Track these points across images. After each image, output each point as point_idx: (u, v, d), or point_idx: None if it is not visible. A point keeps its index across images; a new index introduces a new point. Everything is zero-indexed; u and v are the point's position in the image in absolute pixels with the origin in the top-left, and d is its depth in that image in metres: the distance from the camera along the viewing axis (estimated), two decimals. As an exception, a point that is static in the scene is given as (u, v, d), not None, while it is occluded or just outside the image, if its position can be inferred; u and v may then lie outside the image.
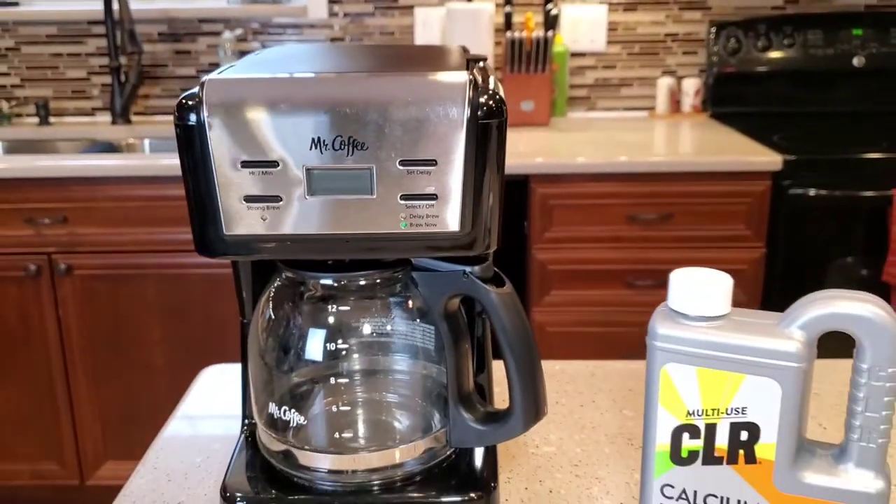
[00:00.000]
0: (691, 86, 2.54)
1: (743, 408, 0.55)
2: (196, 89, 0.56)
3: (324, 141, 0.55)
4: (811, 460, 0.56)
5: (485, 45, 2.44)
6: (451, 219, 0.58)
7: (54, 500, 2.30)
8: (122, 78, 2.50)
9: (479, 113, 0.56)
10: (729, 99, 2.54)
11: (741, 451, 0.55)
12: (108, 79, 2.56)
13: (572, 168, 2.04)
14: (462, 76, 0.56)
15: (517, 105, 2.46)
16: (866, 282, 2.09)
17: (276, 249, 0.58)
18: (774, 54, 2.50)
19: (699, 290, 0.55)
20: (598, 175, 2.05)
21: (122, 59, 2.49)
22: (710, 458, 0.56)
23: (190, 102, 0.56)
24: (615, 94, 2.63)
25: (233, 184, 0.56)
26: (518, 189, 2.07)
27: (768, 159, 2.02)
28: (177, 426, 0.87)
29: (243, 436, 0.73)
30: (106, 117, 2.59)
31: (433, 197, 0.57)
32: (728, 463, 0.56)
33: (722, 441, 0.56)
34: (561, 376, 0.97)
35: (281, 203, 0.56)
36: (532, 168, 2.05)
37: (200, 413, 0.90)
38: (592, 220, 2.08)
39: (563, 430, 0.85)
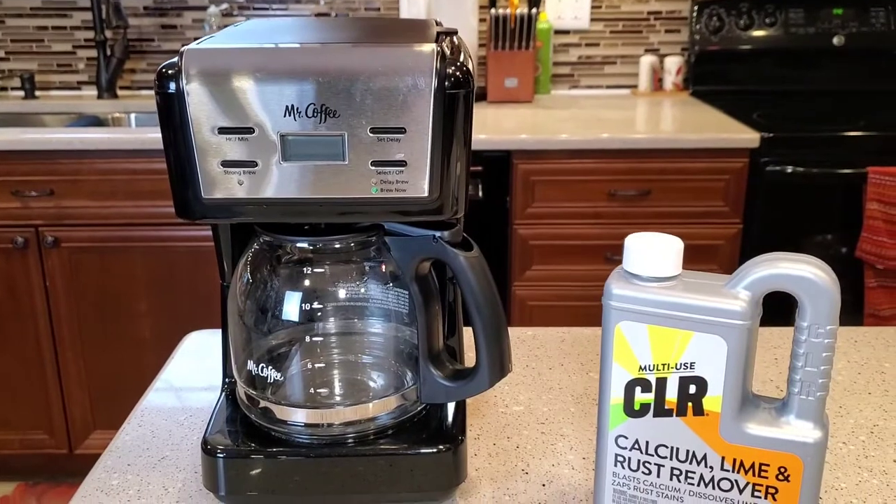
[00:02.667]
0: (673, 64, 2.57)
1: (691, 363, 0.58)
2: (176, 59, 0.59)
3: (297, 108, 0.58)
4: (755, 413, 0.59)
5: (469, 22, 2.46)
6: (419, 185, 0.61)
7: (44, 468, 2.34)
8: (108, 52, 2.51)
9: (446, 83, 0.59)
10: (710, 77, 2.57)
11: (690, 404, 0.59)
12: (93, 52, 2.57)
13: (554, 144, 2.07)
14: (430, 48, 0.59)
15: (501, 82, 2.48)
16: (841, 258, 2.13)
17: (253, 213, 0.61)
18: (756, 33, 2.53)
19: (651, 253, 0.58)
20: (579, 152, 2.08)
21: (108, 33, 2.50)
22: (661, 410, 0.60)
23: (170, 71, 0.59)
24: (598, 71, 2.65)
25: (211, 149, 0.59)
26: (501, 165, 2.10)
27: (746, 136, 2.05)
28: (161, 387, 0.91)
29: (224, 394, 0.76)
30: (92, 91, 2.60)
31: (402, 164, 0.60)
32: (677, 415, 0.59)
33: (672, 394, 0.59)
34: (532, 342, 1.00)
35: (257, 168, 0.59)
36: (514, 144, 2.08)
37: (184, 375, 0.93)
38: (573, 197, 2.11)
39: (532, 392, 0.89)
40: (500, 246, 2.17)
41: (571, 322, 2.25)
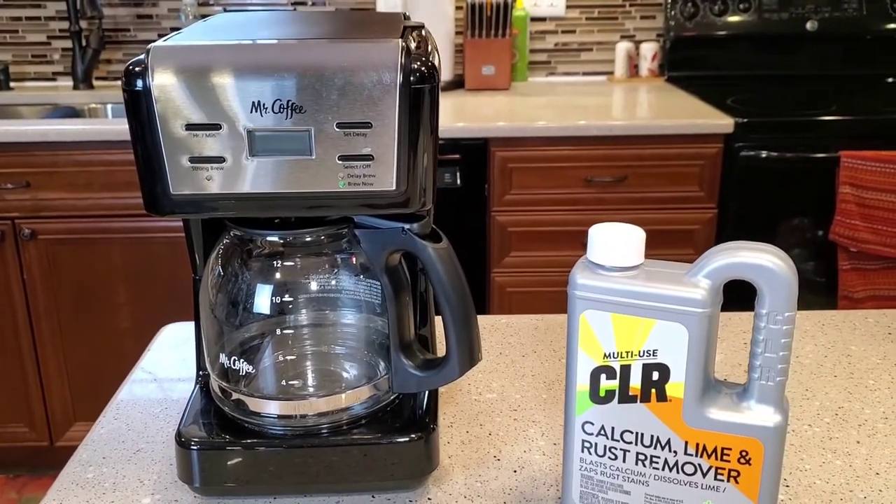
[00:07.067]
0: (649, 50, 2.58)
1: (654, 350, 0.59)
2: (142, 56, 0.59)
3: (264, 105, 0.58)
4: (717, 398, 0.61)
5: (446, 10, 2.46)
6: (386, 178, 0.61)
7: (24, 461, 2.34)
8: (84, 42, 2.49)
9: (411, 78, 0.60)
10: (685, 63, 2.59)
11: (653, 390, 0.60)
12: (68, 43, 2.55)
13: (531, 132, 2.08)
14: (394, 43, 0.60)
15: (478, 69, 2.49)
16: (815, 241, 2.16)
17: (221, 208, 0.62)
18: (730, 18, 2.55)
19: (614, 243, 0.60)
20: (555, 139, 2.09)
21: (83, 24, 2.48)
22: (626, 396, 0.61)
23: (137, 69, 0.59)
24: (575, 58, 2.66)
25: (178, 145, 0.59)
26: (478, 152, 2.11)
27: (720, 122, 2.07)
28: (137, 380, 0.91)
29: (198, 387, 0.77)
30: (67, 82, 2.58)
31: (369, 158, 0.60)
32: (641, 401, 0.61)
33: (636, 381, 0.61)
34: (506, 329, 1.01)
35: (225, 164, 0.60)
36: (492, 132, 2.09)
37: (160, 368, 0.94)
38: (551, 183, 2.13)
39: (505, 379, 0.90)
40: (478, 233, 2.18)
41: (550, 308, 2.26)
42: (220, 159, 0.60)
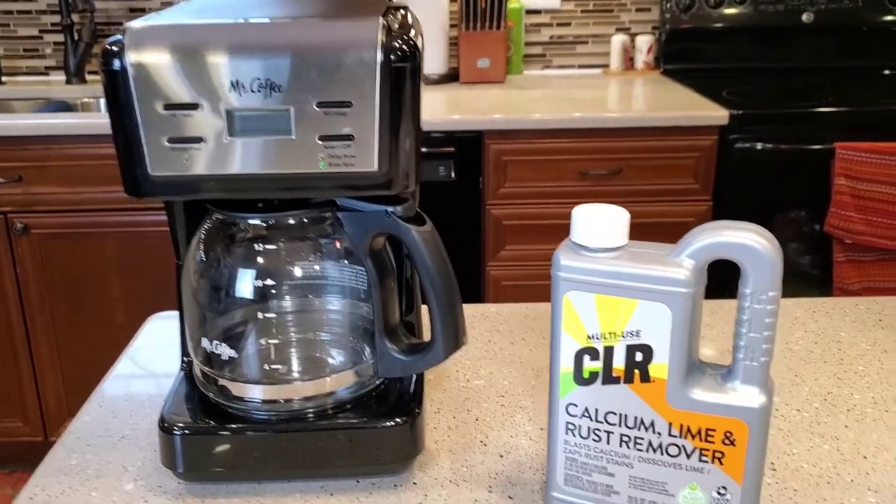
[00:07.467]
0: (644, 43, 2.57)
1: (637, 331, 0.59)
2: (120, 36, 0.59)
3: (242, 84, 0.58)
4: (701, 379, 0.60)
5: (440, 2, 2.45)
6: (368, 159, 0.61)
7: (19, 456, 2.33)
8: (76, 36, 2.48)
9: (392, 57, 0.59)
10: (681, 56, 2.58)
11: (636, 371, 0.60)
12: (60, 37, 2.54)
13: (525, 124, 2.08)
14: (375, 21, 0.59)
15: (473, 62, 2.48)
16: (810, 233, 2.16)
17: (201, 189, 0.61)
18: (726, 11, 2.54)
19: (597, 224, 0.59)
20: (550, 132, 2.08)
21: (75, 17, 2.47)
22: (609, 378, 0.61)
23: (114, 48, 0.58)
24: (570, 51, 2.65)
25: (157, 126, 0.59)
26: (473, 145, 2.10)
27: (715, 114, 2.07)
28: (124, 368, 0.91)
29: (183, 373, 0.77)
30: (60, 76, 2.57)
31: (350, 138, 0.60)
32: (625, 382, 0.60)
33: (619, 362, 0.60)
34: (495, 318, 1.01)
35: (203, 144, 0.59)
36: (486, 124, 2.08)
37: (147, 356, 0.93)
38: (545, 176, 2.12)
39: (493, 366, 0.89)
40: (473, 227, 2.17)
41: (545, 301, 2.26)
42: (199, 139, 0.59)
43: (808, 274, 2.19)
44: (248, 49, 0.57)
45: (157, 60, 0.58)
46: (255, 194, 0.63)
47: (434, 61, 2.49)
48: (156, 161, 0.60)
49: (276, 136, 0.59)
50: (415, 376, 0.74)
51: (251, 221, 0.69)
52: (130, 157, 0.60)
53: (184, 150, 0.59)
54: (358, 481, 0.71)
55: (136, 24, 0.59)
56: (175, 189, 0.61)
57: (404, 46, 0.60)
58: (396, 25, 0.62)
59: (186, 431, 0.69)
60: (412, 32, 0.64)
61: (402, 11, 0.69)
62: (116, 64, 0.58)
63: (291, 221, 0.69)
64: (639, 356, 0.59)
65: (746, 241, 0.57)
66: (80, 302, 2.16)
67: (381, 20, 0.59)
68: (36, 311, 2.16)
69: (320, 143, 0.60)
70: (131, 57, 0.58)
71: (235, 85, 0.58)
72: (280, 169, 0.61)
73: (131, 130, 0.59)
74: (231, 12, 0.66)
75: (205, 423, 0.70)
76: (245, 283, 0.70)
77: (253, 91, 0.58)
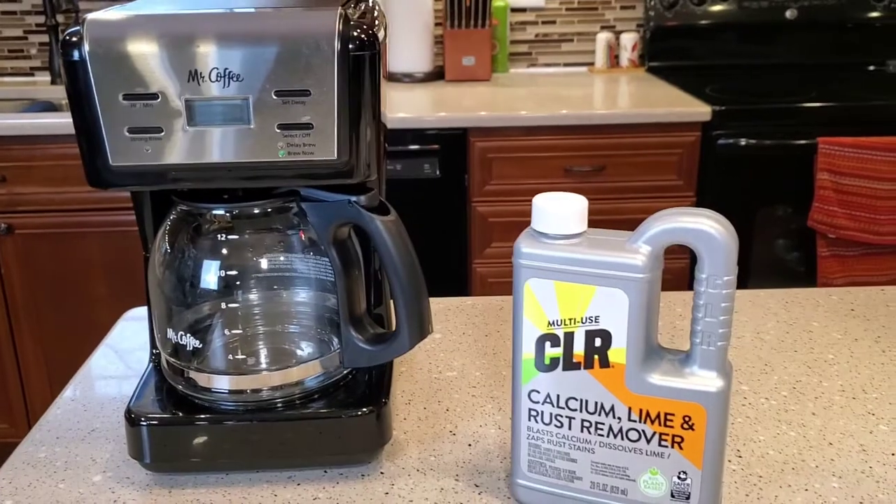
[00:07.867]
0: (629, 40, 2.58)
1: (596, 317, 0.59)
2: (78, 27, 0.59)
3: (200, 73, 0.58)
4: (660, 364, 0.61)
5: (425, 1, 2.46)
6: (327, 147, 0.61)
7: (4, 457, 2.32)
8: (61, 37, 2.48)
9: (350, 46, 0.59)
10: (666, 53, 2.59)
11: (596, 357, 0.60)
12: (45, 38, 2.54)
13: (508, 121, 2.08)
14: (333, 11, 0.59)
15: (458, 60, 2.48)
16: (794, 228, 2.16)
17: (162, 179, 0.62)
18: (710, 8, 2.55)
19: (557, 211, 0.60)
20: (534, 128, 2.09)
21: (60, 18, 2.47)
22: (570, 363, 0.61)
23: (73, 39, 0.59)
24: (556, 49, 2.66)
25: (116, 116, 0.59)
26: (457, 143, 2.11)
27: (698, 110, 2.07)
28: (96, 362, 0.91)
29: (151, 365, 0.77)
30: (45, 77, 2.57)
31: (309, 126, 0.60)
32: (585, 368, 0.61)
33: (579, 348, 0.60)
34: (471, 311, 1.01)
35: (163, 134, 0.60)
36: (470, 122, 2.08)
37: (119, 349, 0.94)
38: (530, 173, 2.13)
39: (467, 358, 0.90)
40: (458, 224, 2.18)
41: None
42: (159, 129, 0.60)
43: (793, 269, 2.20)
44: (206, 39, 0.57)
45: (116, 51, 0.58)
46: (217, 184, 0.64)
47: (419, 59, 2.50)
48: (117, 151, 0.60)
49: (236, 125, 0.60)
50: (384, 366, 0.75)
51: (216, 212, 0.69)
52: (92, 147, 0.61)
53: (144, 141, 0.60)
54: (326, 471, 0.71)
55: (95, 14, 0.60)
56: (136, 179, 0.62)
57: (363, 35, 0.60)
58: (356, 15, 0.62)
59: (153, 422, 0.69)
60: (373, 23, 0.64)
61: (367, 3, 0.69)
62: (75, 54, 0.58)
63: (256, 212, 0.69)
64: (598, 342, 0.60)
65: (702, 226, 0.57)
66: (65, 302, 2.16)
67: (339, 10, 0.59)
68: (21, 311, 2.15)
69: (279, 131, 0.60)
70: (90, 47, 0.58)
71: (194, 75, 0.58)
72: (240, 158, 0.61)
73: (92, 121, 0.60)
74: (190, 3, 0.67)
75: (171, 414, 0.70)
76: (210, 275, 0.70)
77: (212, 80, 0.58)
